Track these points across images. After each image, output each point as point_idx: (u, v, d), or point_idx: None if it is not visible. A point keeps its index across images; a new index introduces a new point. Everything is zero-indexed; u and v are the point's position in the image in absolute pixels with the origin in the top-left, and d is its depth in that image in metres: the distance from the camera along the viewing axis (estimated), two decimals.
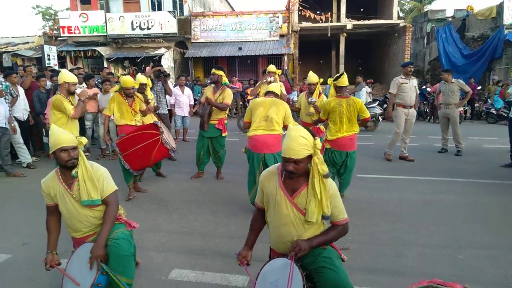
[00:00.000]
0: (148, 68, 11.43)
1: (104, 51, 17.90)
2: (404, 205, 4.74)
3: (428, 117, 14.06)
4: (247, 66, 18.46)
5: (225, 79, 5.73)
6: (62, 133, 2.62)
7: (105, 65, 17.47)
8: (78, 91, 4.78)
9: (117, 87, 5.49)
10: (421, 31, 20.43)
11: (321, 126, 5.91)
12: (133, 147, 4.81)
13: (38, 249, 3.66)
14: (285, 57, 17.72)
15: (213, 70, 5.67)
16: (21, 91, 6.90)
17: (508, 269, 3.20)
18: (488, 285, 2.98)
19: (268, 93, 4.68)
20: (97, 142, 8.11)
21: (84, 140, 2.73)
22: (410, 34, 18.51)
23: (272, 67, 6.78)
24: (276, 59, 17.76)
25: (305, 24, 19.42)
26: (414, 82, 7.12)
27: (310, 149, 2.23)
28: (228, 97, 5.68)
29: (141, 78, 5.84)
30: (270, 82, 6.44)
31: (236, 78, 15.17)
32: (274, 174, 2.49)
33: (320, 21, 18.35)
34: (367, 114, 4.74)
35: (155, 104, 5.90)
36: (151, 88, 7.03)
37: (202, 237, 3.92)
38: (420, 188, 5.48)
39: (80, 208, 2.66)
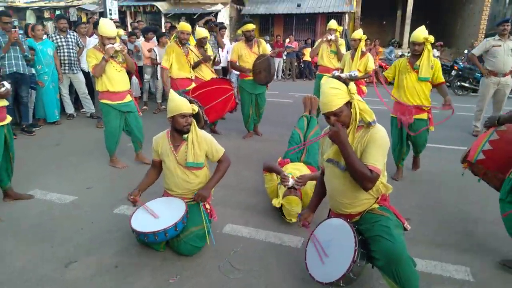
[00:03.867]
0: (200, 22, 11.33)
1: (162, 6, 17.97)
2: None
3: None
4: (305, 25, 17.69)
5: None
6: (182, 100, 2.78)
7: (163, 20, 17.60)
8: (116, 46, 4.04)
9: (174, 35, 5.33)
10: None
11: (364, 87, 5.71)
12: (211, 102, 4.88)
13: (99, 193, 3.86)
14: (346, 16, 16.71)
15: (251, 26, 5.48)
16: (88, 42, 7.05)
17: None
18: None
19: None
20: (154, 96, 8.26)
21: (196, 108, 2.88)
22: None
23: (333, 23, 6.28)
24: (336, 17, 16.69)
25: None
26: (510, 44, 5.92)
27: (346, 96, 2.11)
28: (267, 48, 5.72)
29: (201, 31, 5.68)
30: (331, 40, 6.08)
31: (292, 37, 14.62)
32: None
33: None
34: None
35: (217, 59, 5.75)
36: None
37: (257, 194, 3.89)
38: None
39: (180, 170, 2.86)
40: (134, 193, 2.85)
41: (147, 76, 7.85)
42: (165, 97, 8.08)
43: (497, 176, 2.77)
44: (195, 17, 17.66)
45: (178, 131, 2.83)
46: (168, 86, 5.13)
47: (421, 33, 3.90)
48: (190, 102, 4.71)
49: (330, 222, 2.40)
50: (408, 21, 18.51)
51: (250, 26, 5.50)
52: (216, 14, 17.45)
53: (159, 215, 2.73)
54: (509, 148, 2.69)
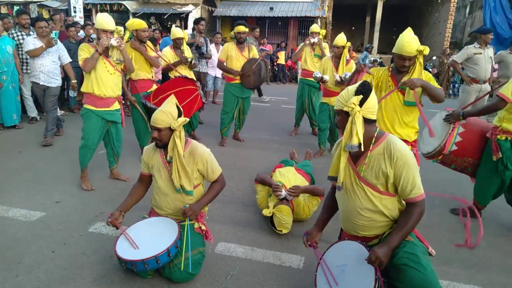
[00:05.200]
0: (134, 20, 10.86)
1: (130, 5, 17.30)
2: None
3: None
4: (278, 28, 17.60)
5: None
6: (159, 112, 2.42)
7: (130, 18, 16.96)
8: (113, 41, 3.60)
9: (127, 34, 4.79)
10: (463, 0, 18.95)
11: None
12: None
13: (70, 208, 3.45)
14: (318, 21, 16.77)
15: (243, 28, 5.29)
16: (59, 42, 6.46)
17: None
18: None
19: None
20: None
21: (177, 124, 2.42)
22: (456, 1, 17.15)
23: (315, 27, 6.14)
24: (308, 22, 16.83)
25: None
26: (490, 52, 6.04)
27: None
28: (257, 55, 5.54)
29: (177, 31, 5.31)
30: (314, 43, 5.93)
31: (266, 40, 14.45)
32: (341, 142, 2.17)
33: None
34: None
35: (194, 62, 5.36)
36: (190, 46, 6.54)
37: (246, 207, 3.62)
38: None
39: (172, 189, 2.52)
40: (114, 215, 2.47)
41: None
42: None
43: (466, 160, 3.44)
44: (165, 17, 17.17)
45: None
46: (127, 92, 4.61)
47: (414, 44, 2.84)
48: (152, 110, 4.30)
49: (343, 245, 2.17)
50: (377, 27, 18.88)
51: (242, 28, 5.26)
52: (186, 15, 17.03)
53: (148, 239, 2.39)
54: (472, 136, 3.39)
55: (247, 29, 5.38)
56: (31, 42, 5.27)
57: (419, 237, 2.06)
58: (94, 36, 7.74)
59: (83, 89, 3.75)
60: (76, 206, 3.49)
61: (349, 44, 5.09)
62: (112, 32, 3.65)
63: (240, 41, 5.38)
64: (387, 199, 2.01)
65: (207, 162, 2.57)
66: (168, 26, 16.54)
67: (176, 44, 5.30)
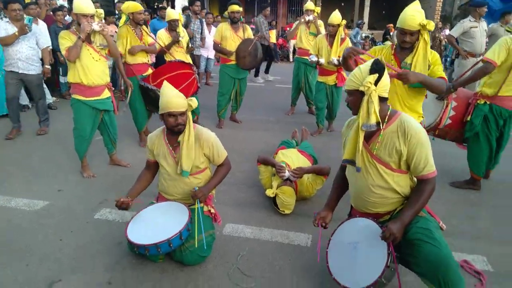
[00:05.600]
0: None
1: None
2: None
3: None
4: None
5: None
6: (173, 96, 2.39)
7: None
8: (94, 25, 3.40)
9: (123, 18, 4.65)
10: None
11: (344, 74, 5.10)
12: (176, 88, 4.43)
13: (73, 196, 3.43)
14: None
15: (236, 8, 5.18)
16: (42, 25, 6.20)
17: None
18: None
19: None
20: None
21: (195, 103, 2.46)
22: None
23: (310, 4, 6.06)
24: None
25: None
26: (484, 25, 5.97)
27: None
28: (252, 35, 5.46)
29: (172, 13, 5.18)
30: (309, 21, 5.85)
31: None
32: (355, 121, 2.18)
33: None
34: None
35: (190, 45, 5.24)
36: (186, 27, 6.41)
37: (249, 188, 3.63)
38: None
39: (179, 174, 2.50)
40: (121, 198, 2.46)
41: (109, 62, 7.21)
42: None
43: (460, 131, 3.61)
44: None
45: (169, 130, 2.48)
46: (123, 75, 4.55)
47: (417, 17, 2.54)
48: (151, 90, 4.28)
49: (355, 222, 2.19)
50: (367, 3, 18.66)
51: (235, 7, 5.15)
52: None
53: (159, 223, 2.40)
54: (463, 108, 3.56)
55: (241, 8, 5.28)
56: (3, 27, 4.73)
57: (430, 212, 2.09)
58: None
59: (69, 79, 3.58)
60: (78, 194, 3.46)
61: (344, 22, 5.01)
62: (92, 16, 3.46)
63: (234, 21, 5.27)
64: (399, 176, 2.02)
65: (213, 146, 2.56)
66: (155, 7, 16.13)
67: (171, 26, 5.17)
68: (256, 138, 5.06)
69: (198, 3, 7.85)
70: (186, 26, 7.60)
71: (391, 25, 13.47)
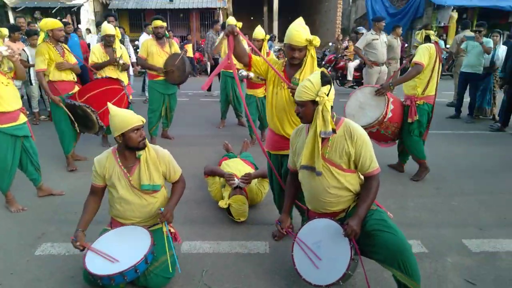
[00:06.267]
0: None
1: None
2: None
3: None
4: (180, 20, 17.30)
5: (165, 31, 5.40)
6: (128, 112, 2.40)
7: (11, 15, 15.03)
8: (3, 50, 3.13)
9: (42, 35, 4.35)
10: None
11: None
12: (104, 105, 4.19)
13: (5, 233, 3.09)
14: (220, 12, 16.89)
15: (160, 23, 5.15)
16: None
17: (500, 211, 3.48)
18: (488, 227, 3.20)
19: None
20: (28, 105, 6.96)
21: (144, 119, 2.44)
22: None
23: (231, 19, 6.26)
24: (209, 13, 16.92)
25: None
26: (384, 37, 6.92)
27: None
28: (178, 49, 5.47)
29: (108, 28, 4.93)
30: None
31: (172, 33, 14.11)
32: (302, 129, 2.42)
33: None
34: None
35: (121, 61, 4.93)
36: (121, 42, 6.09)
37: (198, 204, 3.63)
38: None
39: (135, 195, 2.46)
40: (78, 237, 2.31)
41: (17, 83, 6.55)
42: (45, 105, 6.94)
43: (395, 125, 4.06)
44: (53, 11, 15.57)
45: (131, 149, 2.41)
46: (49, 92, 4.26)
47: (303, 33, 2.50)
48: (79, 107, 4.07)
49: (314, 223, 2.36)
50: (276, 16, 19.76)
51: (158, 23, 5.09)
52: (78, 9, 15.70)
53: (119, 250, 2.30)
54: (397, 103, 4.09)
55: (164, 24, 5.24)
56: None
57: (378, 204, 2.35)
58: None
59: None
60: (9, 231, 3.12)
61: (268, 36, 5.27)
62: None
63: (158, 36, 5.22)
64: (350, 175, 2.25)
65: (169, 163, 2.56)
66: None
67: (107, 42, 4.95)
68: (193, 154, 5.05)
69: (112, 18, 7.55)
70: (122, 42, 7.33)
71: None
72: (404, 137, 4.17)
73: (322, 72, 2.15)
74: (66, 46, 4.45)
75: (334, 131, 2.14)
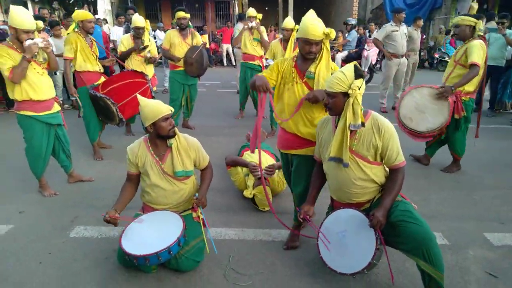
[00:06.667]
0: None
1: None
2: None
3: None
4: (195, 11, 17.33)
5: (189, 22, 5.48)
6: (158, 102, 2.48)
7: (29, 5, 15.25)
8: (39, 41, 3.16)
9: (73, 25, 4.46)
10: None
11: None
12: (126, 98, 4.31)
13: (39, 217, 3.25)
14: (235, 2, 16.85)
15: (183, 14, 5.25)
16: None
17: None
18: (509, 221, 3.22)
19: None
20: None
21: (172, 108, 2.55)
22: None
23: (252, 11, 6.26)
24: (224, 4, 16.91)
25: None
26: (404, 29, 6.82)
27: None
28: (200, 41, 5.54)
29: (137, 20, 5.01)
30: (253, 27, 6.07)
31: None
32: (329, 121, 2.45)
33: None
34: None
35: (149, 55, 5.04)
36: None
37: (221, 193, 3.72)
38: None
39: (167, 182, 2.57)
40: (110, 212, 2.42)
41: None
42: (67, 94, 7.09)
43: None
44: (71, 2, 15.76)
45: (162, 138, 2.51)
46: (70, 81, 4.37)
47: (320, 26, 2.43)
48: (101, 99, 4.18)
49: (339, 213, 2.42)
50: (291, 7, 19.57)
51: (181, 14, 5.18)
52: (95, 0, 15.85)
53: (154, 233, 2.41)
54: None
55: (187, 15, 5.32)
56: None
57: (403, 196, 2.40)
58: (4, 27, 6.96)
59: (17, 97, 3.31)
60: (44, 214, 3.27)
61: (297, 27, 5.28)
62: (33, 31, 3.22)
63: (181, 28, 5.31)
64: (376, 167, 2.30)
65: (199, 150, 2.68)
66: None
67: (136, 34, 5.06)
68: (214, 144, 5.14)
69: (131, 11, 7.63)
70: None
71: None
72: (450, 133, 4.11)
73: (355, 66, 2.20)
74: (93, 39, 4.55)
75: (363, 124, 2.19)
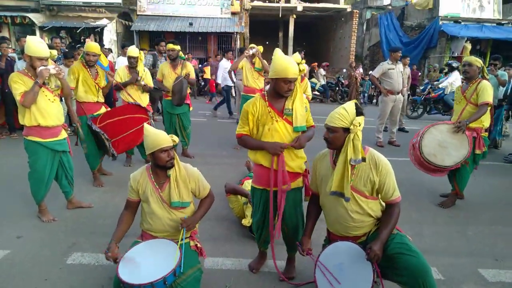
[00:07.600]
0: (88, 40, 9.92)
1: (36, 18, 15.98)
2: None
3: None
4: (198, 43, 17.79)
5: (181, 54, 5.66)
6: (160, 133, 2.52)
7: (38, 34, 15.67)
8: (51, 68, 3.31)
9: (81, 55, 4.60)
10: (361, 18, 21.26)
11: None
12: (122, 133, 4.40)
13: (37, 242, 3.25)
14: (237, 36, 17.38)
15: (171, 46, 5.46)
16: None
17: None
18: (504, 258, 3.25)
19: None
20: None
21: (176, 139, 2.62)
22: (357, 19, 19.18)
23: (253, 45, 6.52)
24: (227, 37, 17.41)
25: (256, 3, 19.13)
26: (400, 67, 7.09)
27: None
28: (192, 71, 5.69)
29: (132, 50, 5.21)
30: (253, 54, 6.23)
31: (191, 56, 14.55)
32: (326, 155, 2.51)
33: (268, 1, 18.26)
34: None
35: (143, 83, 5.17)
36: (154, 66, 6.45)
37: (220, 222, 3.75)
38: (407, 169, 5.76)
39: (165, 210, 2.59)
40: (111, 248, 2.41)
41: None
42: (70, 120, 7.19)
43: None
44: (78, 31, 16.23)
45: (161, 168, 2.58)
46: (72, 110, 4.45)
47: (295, 65, 2.55)
48: (95, 132, 4.24)
49: (336, 246, 2.45)
50: (291, 42, 20.21)
51: (170, 46, 5.44)
52: (101, 30, 16.33)
53: (150, 262, 2.42)
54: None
55: (176, 47, 5.47)
56: None
57: (398, 229, 2.45)
58: (12, 55, 7.16)
59: (26, 122, 3.41)
60: (41, 240, 3.28)
61: (304, 61, 5.52)
62: (47, 59, 3.38)
63: (171, 58, 5.51)
64: (372, 202, 2.37)
65: (198, 180, 2.70)
66: (82, 40, 15.69)
67: (130, 64, 5.22)
68: (214, 173, 5.18)
69: (163, 43, 7.80)
70: (154, 65, 7.74)
71: (315, 64, 14.72)
72: (462, 167, 4.18)
73: (356, 103, 2.31)
74: (100, 69, 4.66)
75: (364, 159, 2.26)
